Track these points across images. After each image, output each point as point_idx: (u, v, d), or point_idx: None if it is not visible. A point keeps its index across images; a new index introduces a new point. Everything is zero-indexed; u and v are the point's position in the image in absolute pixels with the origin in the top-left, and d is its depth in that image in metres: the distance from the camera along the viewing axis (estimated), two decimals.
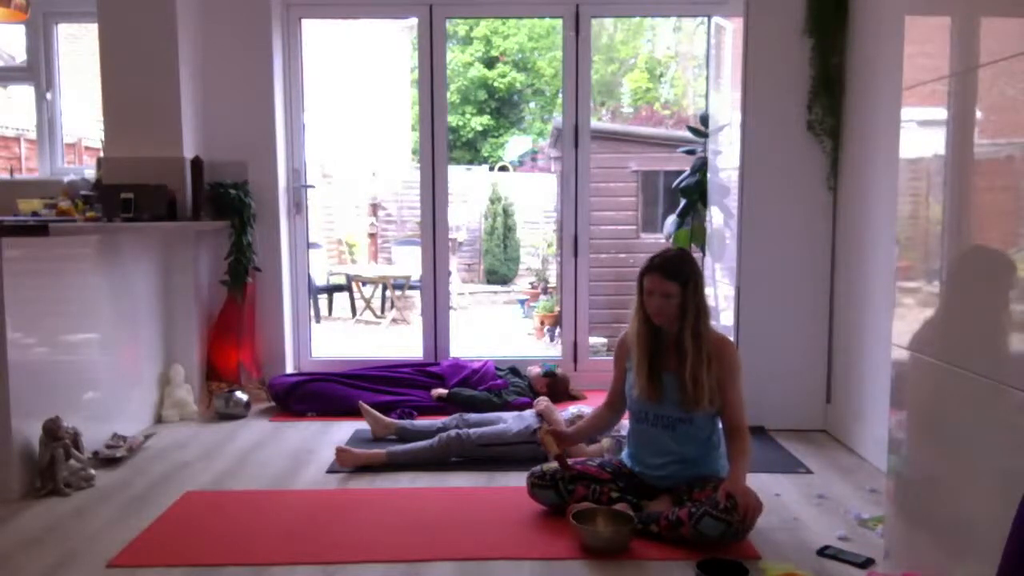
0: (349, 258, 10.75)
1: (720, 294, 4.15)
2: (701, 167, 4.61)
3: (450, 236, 5.29)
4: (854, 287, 3.59)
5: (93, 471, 3.10)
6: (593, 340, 5.46)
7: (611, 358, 2.89)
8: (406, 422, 3.66)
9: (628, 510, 2.58)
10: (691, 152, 4.89)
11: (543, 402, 3.46)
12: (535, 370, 4.38)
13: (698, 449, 2.65)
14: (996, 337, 1.79)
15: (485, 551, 2.48)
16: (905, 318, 2.21)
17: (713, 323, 2.72)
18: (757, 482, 2.83)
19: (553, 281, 9.01)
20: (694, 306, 2.58)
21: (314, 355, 4.86)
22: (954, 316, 1.98)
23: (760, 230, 3.77)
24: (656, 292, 2.57)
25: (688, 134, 5.16)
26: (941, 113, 2.04)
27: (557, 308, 6.46)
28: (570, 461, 2.76)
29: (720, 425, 2.66)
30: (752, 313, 3.76)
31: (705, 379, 2.55)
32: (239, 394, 4.10)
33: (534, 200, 11.54)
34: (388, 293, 9.07)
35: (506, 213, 10.99)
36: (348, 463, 3.24)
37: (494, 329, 8.59)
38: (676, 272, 2.57)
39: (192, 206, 4.10)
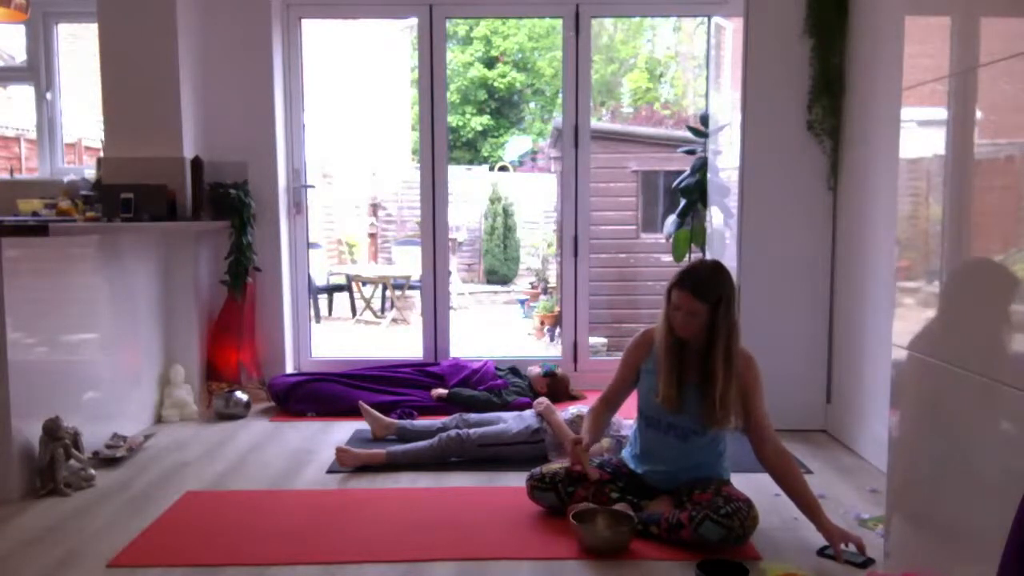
0: (349, 258, 10.75)
1: None
2: (701, 167, 4.61)
3: (450, 236, 5.29)
4: (854, 287, 3.58)
5: (93, 471, 3.10)
6: (593, 340, 5.46)
7: (611, 358, 2.86)
8: (406, 422, 3.66)
9: (628, 510, 2.57)
10: (691, 152, 4.89)
11: (543, 402, 3.46)
12: (535, 370, 4.38)
13: (706, 457, 2.63)
14: (996, 337, 1.79)
15: (485, 551, 2.48)
16: (905, 318, 2.21)
17: None
18: (757, 482, 2.84)
19: (553, 281, 9.01)
20: (725, 326, 2.47)
21: (314, 355, 4.87)
22: (954, 316, 1.98)
23: (760, 230, 3.77)
24: (683, 309, 2.46)
25: (688, 134, 5.16)
26: (941, 113, 2.04)
27: (557, 308, 6.46)
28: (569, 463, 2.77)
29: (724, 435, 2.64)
30: (752, 313, 3.75)
31: (731, 400, 2.49)
32: (239, 394, 4.10)
33: (534, 200, 11.55)
34: (388, 293, 9.07)
35: (506, 213, 11.00)
36: (348, 463, 3.24)
37: (494, 329, 8.59)
38: (706, 292, 2.45)
39: (192, 206, 4.10)
